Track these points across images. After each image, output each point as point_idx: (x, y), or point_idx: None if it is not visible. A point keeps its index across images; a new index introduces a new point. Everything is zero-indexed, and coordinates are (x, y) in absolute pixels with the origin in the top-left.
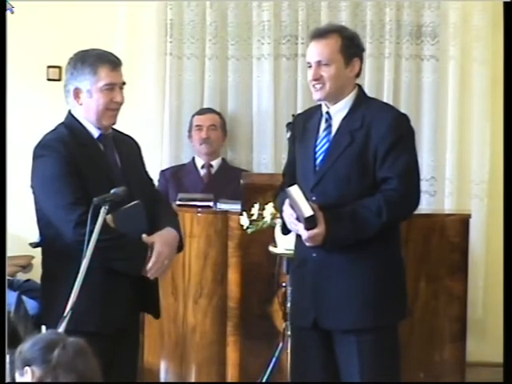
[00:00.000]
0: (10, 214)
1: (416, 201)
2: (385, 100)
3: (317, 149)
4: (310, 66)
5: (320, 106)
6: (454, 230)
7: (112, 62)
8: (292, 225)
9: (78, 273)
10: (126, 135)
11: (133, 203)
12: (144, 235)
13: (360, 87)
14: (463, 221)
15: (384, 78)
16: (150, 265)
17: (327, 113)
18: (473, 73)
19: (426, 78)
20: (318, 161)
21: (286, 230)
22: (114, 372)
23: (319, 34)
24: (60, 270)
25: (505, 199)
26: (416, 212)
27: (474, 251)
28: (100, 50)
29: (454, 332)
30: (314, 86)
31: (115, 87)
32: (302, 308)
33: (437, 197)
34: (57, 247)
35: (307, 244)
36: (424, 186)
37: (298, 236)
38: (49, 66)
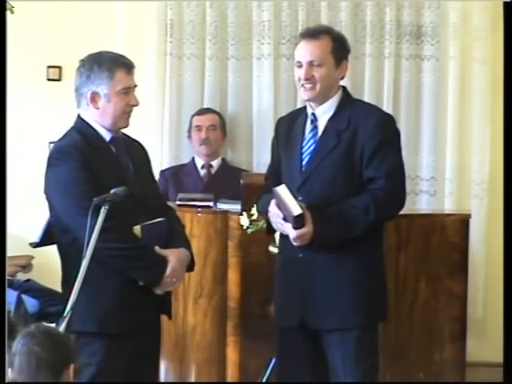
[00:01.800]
0: (10, 214)
1: (402, 200)
2: (385, 100)
3: (303, 150)
4: (300, 66)
5: (304, 108)
6: (454, 230)
7: (127, 65)
8: (278, 225)
9: (95, 275)
10: (134, 140)
11: (159, 220)
12: (157, 247)
13: (344, 88)
14: (463, 221)
15: (384, 78)
16: (163, 278)
17: (313, 114)
18: (473, 73)
19: (426, 77)
20: (305, 162)
21: (271, 230)
22: (138, 373)
23: (311, 34)
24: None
25: (505, 199)
26: (416, 212)
27: (473, 251)
28: (112, 52)
29: (454, 332)
30: (303, 85)
31: (130, 91)
32: (288, 308)
33: (437, 197)
34: (74, 252)
35: (294, 243)
36: (424, 186)
37: (283, 236)
38: (49, 66)
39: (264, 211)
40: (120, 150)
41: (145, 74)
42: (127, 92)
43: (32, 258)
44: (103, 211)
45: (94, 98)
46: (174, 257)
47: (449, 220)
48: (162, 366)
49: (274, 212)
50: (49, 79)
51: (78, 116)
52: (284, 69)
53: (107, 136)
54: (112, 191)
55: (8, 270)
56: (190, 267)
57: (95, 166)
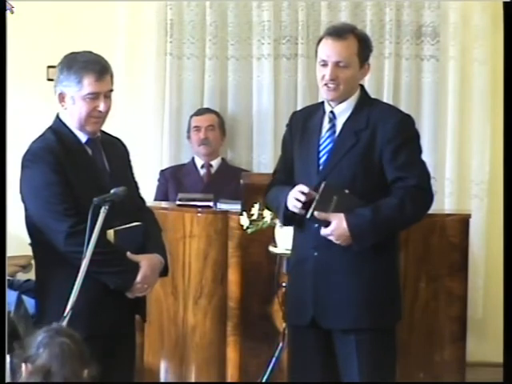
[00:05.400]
0: (10, 214)
1: (432, 195)
2: (385, 100)
3: (320, 148)
4: (325, 65)
5: (320, 104)
6: (454, 230)
7: (98, 71)
8: (295, 208)
9: (73, 274)
10: (115, 137)
11: (135, 224)
12: (128, 253)
13: (362, 87)
14: (463, 221)
15: (384, 78)
16: (134, 284)
17: (331, 112)
18: (473, 73)
19: (426, 78)
20: (322, 161)
21: (286, 221)
22: (111, 375)
23: (338, 34)
24: (54, 273)
25: (505, 199)
26: None
27: (473, 251)
28: (90, 54)
29: (454, 332)
30: (326, 85)
31: (99, 96)
32: (300, 306)
33: (437, 197)
34: (49, 251)
35: (335, 241)
36: None
37: (296, 234)
38: (49, 66)
39: (274, 205)
40: (96, 152)
41: (145, 74)
42: (95, 97)
43: (32, 257)
44: (103, 211)
45: (63, 98)
46: (145, 262)
47: (449, 220)
48: (162, 366)
49: (298, 196)
50: (49, 79)
51: (57, 115)
52: (284, 69)
53: (83, 138)
54: (112, 191)
55: (8, 270)
56: (164, 272)
57: (69, 169)
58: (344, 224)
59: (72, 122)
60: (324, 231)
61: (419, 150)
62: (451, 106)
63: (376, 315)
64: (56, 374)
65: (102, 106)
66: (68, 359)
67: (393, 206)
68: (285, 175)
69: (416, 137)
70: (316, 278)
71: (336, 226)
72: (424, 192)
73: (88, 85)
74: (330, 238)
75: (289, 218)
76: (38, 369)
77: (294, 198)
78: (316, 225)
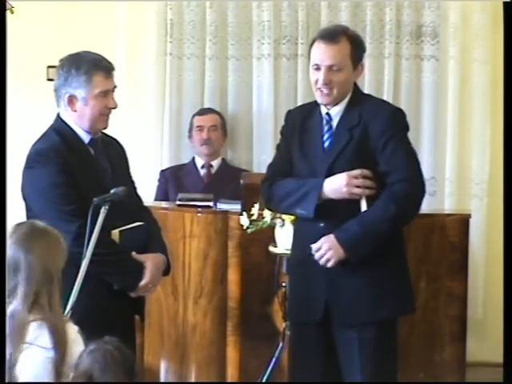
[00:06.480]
0: (9, 214)
1: (422, 187)
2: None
3: (324, 145)
4: (318, 69)
5: (316, 104)
6: (453, 230)
7: (106, 68)
8: (353, 195)
9: (74, 274)
10: (112, 138)
11: (138, 224)
12: (134, 253)
13: (355, 85)
14: (463, 221)
15: (384, 77)
16: (140, 284)
17: (327, 114)
18: (473, 73)
19: (426, 77)
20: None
21: (316, 212)
22: None
23: (331, 37)
24: None
25: (505, 199)
26: None
27: (473, 251)
28: (92, 53)
29: (454, 332)
30: (320, 89)
31: (108, 93)
32: (311, 305)
33: (437, 197)
34: None
35: (331, 256)
36: None
37: (299, 234)
38: (49, 66)
39: (294, 196)
40: (98, 152)
41: (145, 74)
42: (105, 95)
43: None
44: (103, 211)
45: (72, 100)
46: (151, 262)
47: (449, 220)
48: (162, 366)
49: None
50: (49, 79)
51: (58, 116)
52: (284, 69)
53: (86, 138)
54: (112, 191)
55: None
56: (166, 271)
57: (75, 169)
58: (332, 237)
59: (81, 122)
60: (314, 250)
61: (407, 142)
62: (451, 105)
63: (387, 308)
64: (97, 380)
65: (111, 103)
66: (111, 366)
67: (377, 209)
68: (289, 165)
69: (405, 129)
70: (328, 276)
71: (323, 240)
72: (410, 184)
73: (99, 83)
74: (320, 252)
75: (318, 209)
76: (81, 374)
77: (354, 186)
78: (321, 224)
